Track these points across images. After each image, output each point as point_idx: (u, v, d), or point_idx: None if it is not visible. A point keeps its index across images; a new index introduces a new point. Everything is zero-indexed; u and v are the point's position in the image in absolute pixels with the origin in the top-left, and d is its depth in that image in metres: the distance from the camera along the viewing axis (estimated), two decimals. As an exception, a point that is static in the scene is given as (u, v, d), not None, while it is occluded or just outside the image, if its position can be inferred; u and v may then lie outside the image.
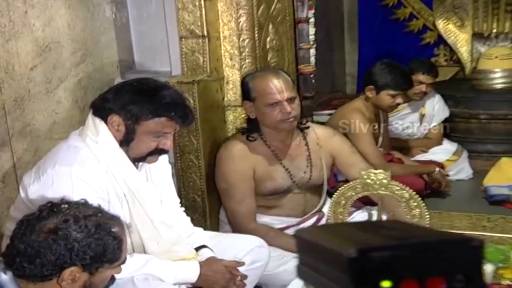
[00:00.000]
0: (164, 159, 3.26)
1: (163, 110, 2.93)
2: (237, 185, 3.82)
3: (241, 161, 3.83)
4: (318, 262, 0.96)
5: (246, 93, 3.83)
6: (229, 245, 3.35)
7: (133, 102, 2.93)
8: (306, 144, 3.98)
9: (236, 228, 3.86)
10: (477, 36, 6.79)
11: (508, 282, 3.66)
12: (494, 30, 6.74)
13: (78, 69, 3.89)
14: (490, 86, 6.19)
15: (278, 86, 3.70)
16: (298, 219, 3.95)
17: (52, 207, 2.35)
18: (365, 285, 0.87)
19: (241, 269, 3.17)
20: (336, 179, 4.30)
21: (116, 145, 2.96)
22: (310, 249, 1.00)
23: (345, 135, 4.46)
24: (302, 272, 1.01)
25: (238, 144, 3.88)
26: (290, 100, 3.72)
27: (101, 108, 2.99)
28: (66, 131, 3.14)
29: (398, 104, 5.02)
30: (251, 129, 3.88)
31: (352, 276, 0.87)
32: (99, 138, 2.95)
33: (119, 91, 3.00)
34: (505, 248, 3.85)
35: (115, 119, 2.94)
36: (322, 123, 4.68)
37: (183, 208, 3.54)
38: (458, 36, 6.87)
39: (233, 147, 3.88)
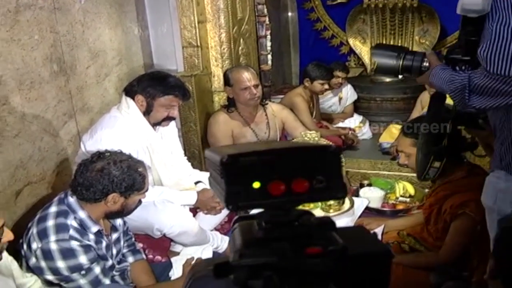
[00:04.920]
0: (172, 124, 3.24)
1: (170, 90, 2.95)
2: (221, 141, 3.80)
3: (223, 125, 3.82)
4: (213, 171, 0.81)
5: (227, 81, 3.81)
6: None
7: (150, 86, 2.94)
8: (266, 114, 3.96)
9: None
10: (374, 48, 6.82)
11: (393, 201, 3.71)
12: (384, 45, 6.79)
13: (117, 68, 3.85)
14: (382, 79, 6.20)
15: (247, 76, 3.70)
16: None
17: (99, 155, 2.35)
18: (237, 186, 0.73)
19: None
20: (286, 138, 4.29)
21: (141, 115, 2.97)
22: (210, 163, 0.83)
23: (292, 110, 4.45)
24: (210, 183, 0.84)
25: (221, 114, 3.87)
26: (255, 86, 3.73)
27: (130, 91, 2.99)
28: (110, 108, 3.13)
29: (326, 90, 5.03)
30: (230, 105, 3.87)
31: (225, 178, 0.73)
32: (129, 111, 2.95)
33: (141, 79, 3.01)
34: (391, 181, 3.90)
35: (140, 97, 2.95)
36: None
37: (186, 157, 3.53)
38: (362, 49, 6.85)
39: (218, 117, 3.86)
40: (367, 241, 0.80)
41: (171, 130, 3.29)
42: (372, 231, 3.04)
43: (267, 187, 0.72)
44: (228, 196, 0.73)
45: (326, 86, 4.97)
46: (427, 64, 1.91)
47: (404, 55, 1.96)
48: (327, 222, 0.77)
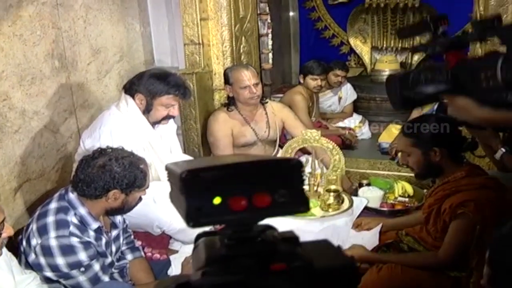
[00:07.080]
0: (171, 123, 3.25)
1: (170, 89, 2.94)
2: (220, 140, 3.79)
3: (223, 124, 3.79)
4: (173, 187, 0.76)
5: (226, 80, 3.79)
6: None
7: (150, 84, 2.94)
8: (266, 113, 3.94)
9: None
10: (374, 48, 6.81)
11: (391, 201, 3.71)
12: (384, 45, 6.79)
13: (118, 65, 3.85)
14: (382, 79, 6.17)
15: (247, 75, 3.68)
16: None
17: (101, 151, 2.35)
18: (197, 202, 0.69)
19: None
20: (285, 137, 4.28)
21: (140, 113, 2.97)
22: (170, 178, 0.79)
23: (290, 107, 4.44)
24: (171, 198, 0.80)
25: (221, 113, 3.85)
26: (255, 84, 3.71)
27: (130, 89, 2.99)
28: (110, 105, 3.13)
29: (321, 87, 5.00)
30: (230, 103, 3.84)
31: (186, 194, 0.69)
32: (128, 109, 2.96)
33: (141, 77, 3.00)
34: (390, 180, 3.89)
35: (139, 96, 2.95)
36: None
37: (185, 155, 3.53)
38: (362, 49, 6.88)
39: (218, 115, 3.85)
40: (332, 255, 0.78)
41: (170, 127, 3.29)
42: (370, 230, 3.06)
43: (228, 203, 0.70)
44: (189, 213, 0.70)
45: (319, 83, 4.92)
46: None
47: None
48: (291, 238, 0.75)
